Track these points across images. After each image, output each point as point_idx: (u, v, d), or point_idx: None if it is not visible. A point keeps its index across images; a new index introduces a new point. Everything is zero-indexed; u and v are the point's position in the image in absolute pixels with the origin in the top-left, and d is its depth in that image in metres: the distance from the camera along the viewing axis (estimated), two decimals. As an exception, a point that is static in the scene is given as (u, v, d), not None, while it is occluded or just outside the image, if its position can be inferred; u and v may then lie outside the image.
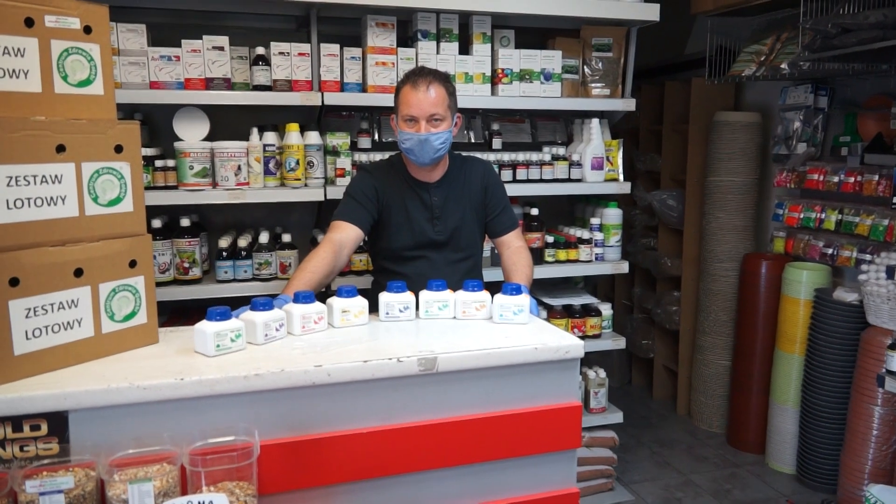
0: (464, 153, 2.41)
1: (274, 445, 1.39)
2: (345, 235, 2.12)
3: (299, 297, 1.66)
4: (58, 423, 1.29)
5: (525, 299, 1.75)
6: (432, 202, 2.24)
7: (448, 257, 2.28)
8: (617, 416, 3.16)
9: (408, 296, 1.79)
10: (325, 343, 1.58)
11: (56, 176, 1.37)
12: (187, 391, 1.35)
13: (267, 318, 1.58)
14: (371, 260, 2.54)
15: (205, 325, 1.49)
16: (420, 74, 2.12)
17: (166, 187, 2.52)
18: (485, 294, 1.80)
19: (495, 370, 1.55)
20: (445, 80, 2.16)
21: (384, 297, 1.78)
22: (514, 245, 2.32)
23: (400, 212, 2.24)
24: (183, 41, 2.48)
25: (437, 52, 2.75)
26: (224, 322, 1.50)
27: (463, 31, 2.83)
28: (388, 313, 1.78)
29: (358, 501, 1.47)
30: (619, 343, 3.11)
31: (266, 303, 1.60)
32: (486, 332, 1.67)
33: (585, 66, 3.01)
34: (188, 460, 1.28)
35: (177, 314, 2.82)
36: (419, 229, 2.23)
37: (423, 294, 1.81)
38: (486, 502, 1.58)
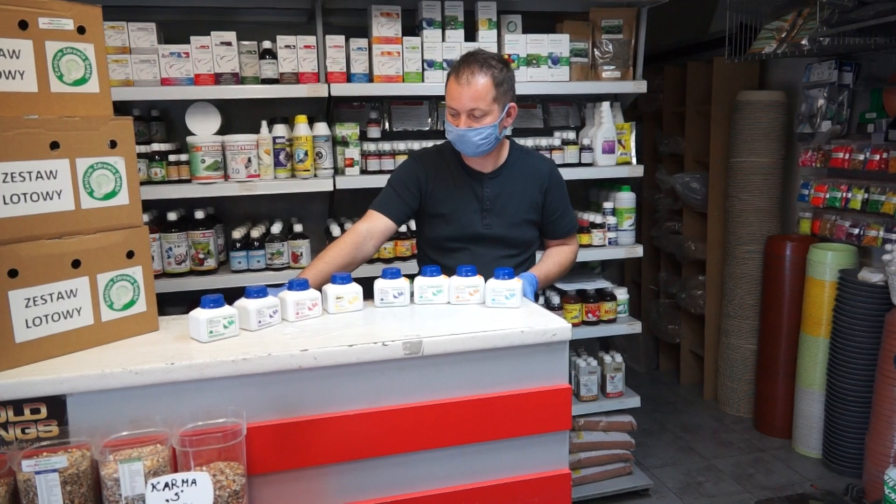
0: (528, 145, 2.29)
1: (263, 427, 1.44)
2: (373, 226, 2.08)
3: (293, 285, 1.71)
4: (56, 406, 1.36)
5: (516, 283, 1.76)
6: (484, 194, 2.14)
7: (495, 253, 2.17)
8: (634, 401, 3.15)
9: (402, 281, 1.82)
10: (317, 328, 1.62)
11: (51, 172, 1.43)
12: (178, 375, 1.40)
13: (260, 305, 1.62)
14: (416, 246, 2.44)
15: (198, 313, 1.55)
16: (466, 63, 1.98)
17: (180, 181, 2.60)
18: (478, 279, 1.81)
19: (482, 353, 1.57)
20: (495, 67, 1.98)
21: (379, 284, 1.82)
22: (563, 244, 2.29)
23: (447, 201, 2.14)
24: (192, 37, 2.54)
25: (443, 40, 2.76)
26: (217, 309, 1.55)
27: (469, 17, 2.84)
28: (382, 299, 1.81)
29: (346, 482, 1.51)
30: (635, 327, 3.09)
31: (260, 290, 1.65)
32: (476, 316, 1.69)
33: (595, 49, 2.98)
34: (178, 441, 1.33)
35: (196, 304, 2.89)
36: (466, 221, 2.15)
37: (418, 280, 1.83)
38: (476, 483, 1.60)
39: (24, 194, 1.39)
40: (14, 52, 1.42)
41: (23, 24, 1.43)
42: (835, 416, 3.25)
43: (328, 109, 2.89)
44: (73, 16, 1.51)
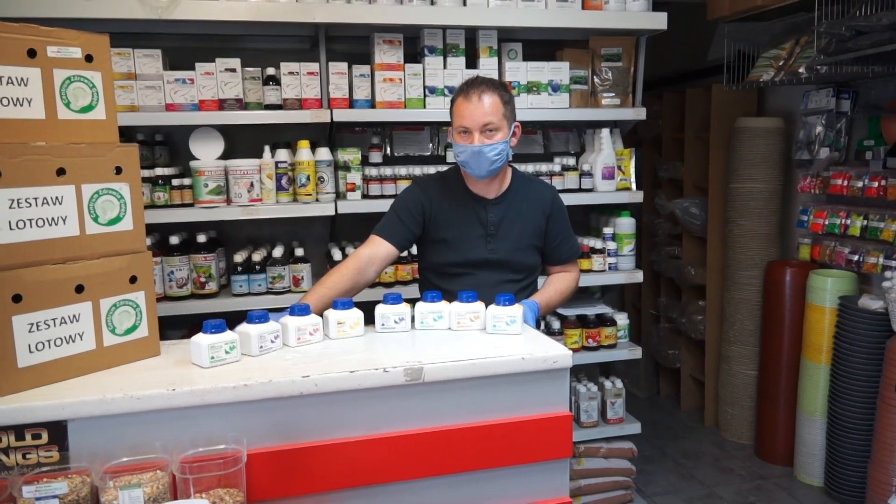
0: (528, 171, 2.32)
1: (264, 454, 1.44)
2: (375, 252, 2.08)
3: (295, 310, 1.71)
4: (57, 432, 1.36)
5: (517, 310, 1.77)
6: (488, 219, 2.17)
7: (498, 278, 2.18)
8: (635, 427, 3.13)
9: (403, 307, 1.82)
10: (318, 354, 1.62)
11: (57, 198, 1.45)
12: (178, 401, 1.40)
13: (261, 331, 1.63)
14: (418, 271, 2.44)
15: (200, 338, 1.55)
16: (473, 84, 2.05)
17: (183, 205, 2.61)
18: (479, 305, 1.82)
19: (482, 380, 1.57)
20: (501, 87, 2.07)
21: (380, 309, 1.82)
22: (564, 270, 2.31)
23: (451, 227, 2.16)
24: (196, 64, 2.57)
25: (445, 67, 2.80)
26: (219, 334, 1.56)
27: (470, 45, 2.88)
28: (383, 325, 1.82)
29: (346, 509, 1.51)
30: (636, 353, 3.08)
31: (262, 315, 1.66)
32: (477, 343, 1.70)
33: (595, 77, 3.01)
34: (178, 468, 1.33)
35: (197, 328, 2.90)
36: (470, 246, 2.16)
37: (419, 305, 1.84)
38: (477, 511, 1.60)
39: (30, 220, 1.41)
40: (22, 79, 1.44)
41: (31, 53, 1.45)
42: (836, 444, 3.23)
43: (330, 134, 2.92)
44: (81, 44, 1.54)
